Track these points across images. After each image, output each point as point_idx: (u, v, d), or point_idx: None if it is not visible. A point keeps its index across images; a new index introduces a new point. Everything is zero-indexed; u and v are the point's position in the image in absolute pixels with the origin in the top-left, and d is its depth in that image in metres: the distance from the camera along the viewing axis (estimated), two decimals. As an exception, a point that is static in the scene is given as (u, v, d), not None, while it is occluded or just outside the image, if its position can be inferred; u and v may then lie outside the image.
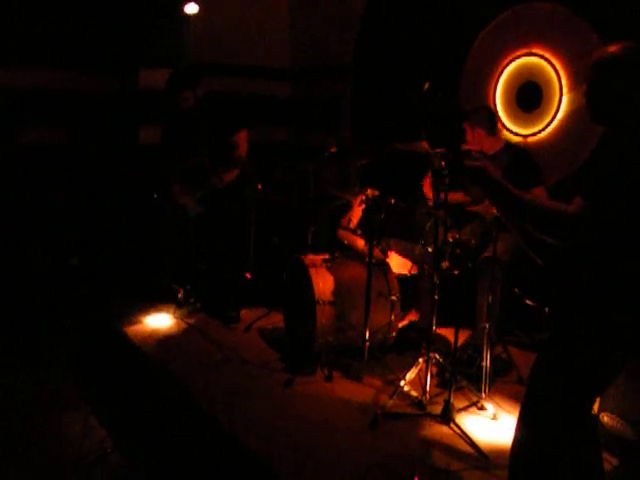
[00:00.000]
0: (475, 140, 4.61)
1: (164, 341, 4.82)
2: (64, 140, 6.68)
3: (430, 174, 4.41)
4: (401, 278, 4.70)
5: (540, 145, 5.17)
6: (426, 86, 3.61)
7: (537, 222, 2.18)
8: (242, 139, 5.24)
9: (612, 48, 2.28)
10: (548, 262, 3.62)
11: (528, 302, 4.30)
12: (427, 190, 4.80)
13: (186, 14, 6.45)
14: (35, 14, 6.44)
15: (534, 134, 5.22)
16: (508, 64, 5.39)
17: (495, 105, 5.47)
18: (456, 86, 5.74)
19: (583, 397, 2.19)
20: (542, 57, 5.14)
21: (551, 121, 5.10)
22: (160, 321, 5.18)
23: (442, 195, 3.74)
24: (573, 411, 2.17)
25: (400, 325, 4.63)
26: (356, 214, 4.53)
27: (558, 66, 5.05)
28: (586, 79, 2.34)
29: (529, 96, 5.24)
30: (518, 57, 5.32)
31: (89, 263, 6.28)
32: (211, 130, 5.24)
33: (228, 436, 3.54)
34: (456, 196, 4.47)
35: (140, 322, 5.15)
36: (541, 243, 2.24)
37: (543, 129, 5.15)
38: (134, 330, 4.99)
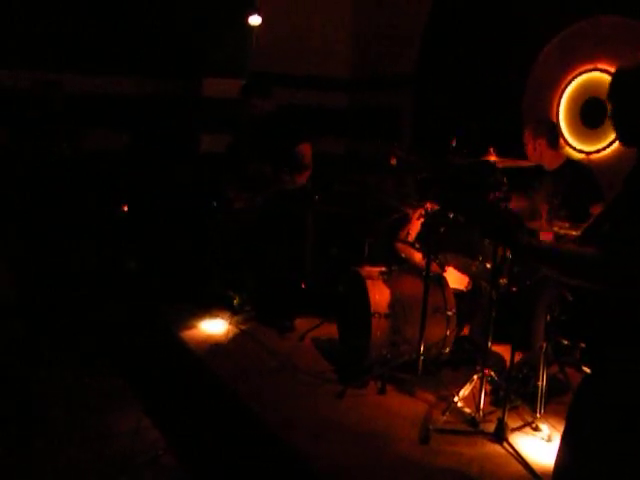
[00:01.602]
0: (537, 151, 4.54)
1: (218, 347, 4.87)
2: (126, 146, 6.84)
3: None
4: (457, 293, 4.66)
5: (603, 162, 5.07)
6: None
7: None
8: (306, 150, 5.28)
9: (628, 62, 2.12)
10: (582, 297, 3.49)
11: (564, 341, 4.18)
12: None
13: (250, 25, 6.55)
14: (100, 23, 6.64)
15: (598, 151, 5.13)
16: (573, 79, 5.32)
17: (558, 120, 5.39)
18: (519, 100, 5.68)
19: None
20: (608, 72, 5.04)
21: (616, 139, 4.98)
22: (215, 327, 5.23)
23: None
24: (628, 446, 2.09)
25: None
26: (415, 227, 4.51)
27: (625, 82, 4.94)
28: (608, 99, 2.20)
29: (594, 112, 5.15)
30: (583, 72, 5.25)
31: (145, 268, 6.38)
32: (274, 139, 5.29)
33: (280, 443, 3.56)
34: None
35: (195, 327, 5.21)
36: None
37: (607, 146, 5.06)
38: (189, 335, 5.06)
